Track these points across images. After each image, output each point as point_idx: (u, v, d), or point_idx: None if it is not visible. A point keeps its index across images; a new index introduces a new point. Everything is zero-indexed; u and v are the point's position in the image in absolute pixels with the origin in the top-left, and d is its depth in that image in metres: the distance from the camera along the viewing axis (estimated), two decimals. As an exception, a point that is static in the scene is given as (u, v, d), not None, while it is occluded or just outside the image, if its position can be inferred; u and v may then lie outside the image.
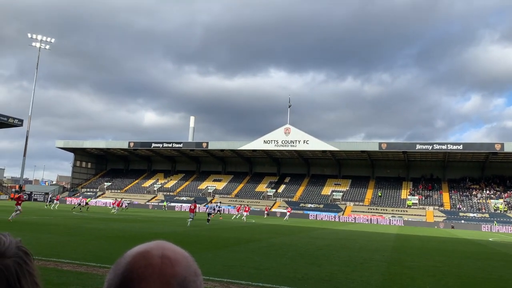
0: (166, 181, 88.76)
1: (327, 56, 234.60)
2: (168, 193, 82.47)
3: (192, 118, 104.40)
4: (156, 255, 0.85)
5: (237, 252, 14.34)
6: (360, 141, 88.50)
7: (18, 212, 23.89)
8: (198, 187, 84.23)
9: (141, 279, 0.80)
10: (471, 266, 13.98)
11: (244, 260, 12.18)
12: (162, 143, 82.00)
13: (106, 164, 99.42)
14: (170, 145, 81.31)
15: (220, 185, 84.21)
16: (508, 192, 68.48)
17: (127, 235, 18.77)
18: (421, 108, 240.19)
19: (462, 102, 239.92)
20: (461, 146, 64.86)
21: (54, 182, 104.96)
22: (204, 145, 79.14)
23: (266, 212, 50.10)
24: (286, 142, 73.42)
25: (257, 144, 75.57)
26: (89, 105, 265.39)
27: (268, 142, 74.52)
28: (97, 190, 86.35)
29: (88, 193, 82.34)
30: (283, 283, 8.81)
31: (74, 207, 46.09)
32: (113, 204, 46.03)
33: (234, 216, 46.04)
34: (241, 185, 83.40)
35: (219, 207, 51.50)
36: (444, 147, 65.36)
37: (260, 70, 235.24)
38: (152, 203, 70.63)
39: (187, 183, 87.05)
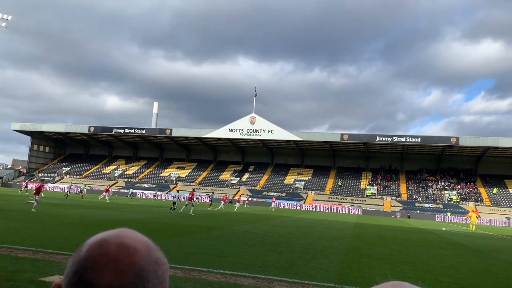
0: (127, 167, 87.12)
1: (296, 46, 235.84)
2: (129, 180, 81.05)
3: (155, 104, 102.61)
4: (113, 243, 0.81)
5: (200, 239, 14.35)
6: (323, 131, 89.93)
7: (34, 203, 22.41)
8: (161, 174, 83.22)
9: (96, 268, 0.77)
10: (425, 254, 14.62)
11: (206, 248, 12.21)
12: (124, 128, 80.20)
13: (65, 149, 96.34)
14: (132, 131, 79.71)
15: (184, 173, 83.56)
16: (461, 184, 71.73)
17: (87, 221, 18.36)
18: (384, 101, 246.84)
19: (424, 96, 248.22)
20: (419, 139, 67.19)
21: (9, 166, 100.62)
22: (168, 132, 78.09)
23: (223, 202, 49.60)
24: (251, 131, 73.59)
25: (222, 132, 75.35)
26: (50, 87, 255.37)
27: (233, 130, 74.45)
28: (55, 175, 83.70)
29: (46, 178, 79.60)
30: (244, 270, 8.91)
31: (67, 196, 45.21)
32: (105, 191, 45.17)
33: (220, 206, 45.54)
34: (205, 173, 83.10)
35: (211, 196, 51.50)
36: (403, 139, 67.51)
37: (228, 58, 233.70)
38: (112, 190, 69.07)
39: (149, 170, 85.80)
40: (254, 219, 28.94)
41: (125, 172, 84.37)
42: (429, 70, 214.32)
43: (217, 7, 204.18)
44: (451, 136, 66.45)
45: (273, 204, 58.68)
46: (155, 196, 63.41)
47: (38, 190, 23.45)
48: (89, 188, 67.96)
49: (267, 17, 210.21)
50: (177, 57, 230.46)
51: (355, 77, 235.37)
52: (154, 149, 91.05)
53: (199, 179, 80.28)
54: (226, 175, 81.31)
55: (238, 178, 79.07)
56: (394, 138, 68.11)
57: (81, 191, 51.38)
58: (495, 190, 68.23)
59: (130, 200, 50.18)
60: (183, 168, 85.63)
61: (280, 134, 72.85)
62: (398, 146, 71.18)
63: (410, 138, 67.48)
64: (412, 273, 10.37)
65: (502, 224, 57.12)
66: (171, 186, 76.55)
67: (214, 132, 76.13)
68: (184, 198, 38.03)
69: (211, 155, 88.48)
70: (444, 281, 9.57)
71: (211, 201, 52.00)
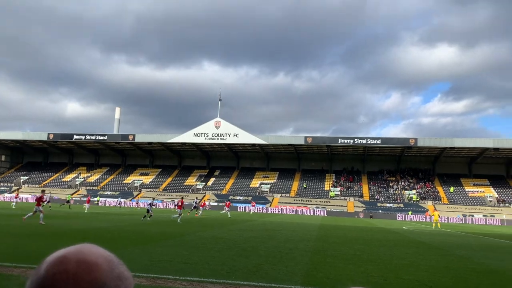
0: (89, 175, 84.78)
1: (261, 51, 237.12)
2: (91, 188, 78.89)
3: (117, 110, 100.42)
4: (73, 260, 0.77)
5: (165, 246, 14.17)
6: (287, 135, 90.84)
7: (39, 213, 21.73)
8: (124, 181, 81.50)
9: (55, 286, 0.74)
10: (387, 253, 15.05)
11: (172, 255, 12.07)
12: (84, 135, 78.03)
13: (22, 157, 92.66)
14: (94, 137, 77.67)
15: (148, 179, 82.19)
16: (420, 183, 74.26)
17: (47, 232, 17.72)
18: (346, 104, 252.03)
19: (384, 99, 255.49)
20: (380, 140, 69.11)
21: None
22: (131, 137, 76.61)
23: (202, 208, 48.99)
24: (216, 135, 73.39)
25: (187, 137, 74.73)
26: (6, 93, 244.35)
27: (198, 135, 74.00)
28: (13, 184, 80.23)
29: (2, 188, 76.30)
30: (211, 276, 8.89)
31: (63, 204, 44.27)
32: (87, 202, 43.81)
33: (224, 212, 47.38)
34: (170, 179, 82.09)
35: (195, 202, 50.12)
36: (364, 141, 69.22)
37: (193, 63, 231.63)
38: (74, 198, 66.96)
39: (111, 177, 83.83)
40: (221, 224, 28.84)
41: (87, 180, 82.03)
42: (389, 74, 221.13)
43: (180, 12, 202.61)
44: (409, 138, 68.75)
45: (252, 208, 58.94)
46: (119, 204, 61.94)
47: (39, 201, 22.67)
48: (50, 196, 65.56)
49: (231, 22, 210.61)
50: (140, 61, 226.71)
51: (318, 81, 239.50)
52: (117, 156, 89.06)
53: (163, 185, 79.13)
54: (191, 180, 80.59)
55: (203, 183, 78.54)
56: (355, 140, 69.72)
57: (68, 201, 49.96)
58: (452, 189, 71.06)
59: (95, 208, 48.79)
60: (147, 174, 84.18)
61: (245, 137, 73.02)
62: (359, 148, 72.90)
63: (371, 140, 69.30)
64: (375, 272, 10.66)
65: (459, 221, 59.56)
66: (135, 193, 75.07)
67: (178, 137, 75.36)
68: (146, 205, 37.01)
69: (176, 161, 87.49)
70: (406, 279, 9.89)
71: (196, 207, 50.48)
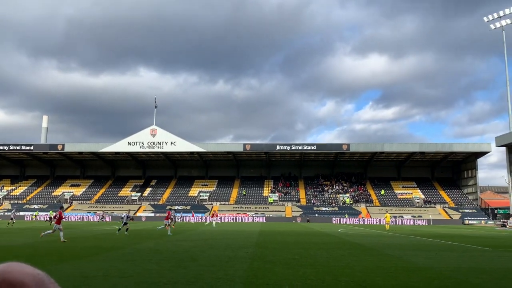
0: (13, 187, 79.16)
1: (200, 58, 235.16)
2: (16, 201, 73.67)
3: (44, 118, 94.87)
4: None
5: (99, 261, 13.50)
6: (226, 142, 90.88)
7: (59, 230, 21.09)
8: (53, 194, 77.02)
9: None
10: (324, 256, 15.44)
11: (106, 269, 11.52)
12: (8, 145, 72.86)
13: None
14: (19, 147, 72.70)
15: (79, 191, 78.30)
16: (354, 187, 77.40)
17: (-37, 252, 16.22)
18: (284, 111, 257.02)
19: (319, 107, 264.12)
20: (315, 146, 71.24)
21: None
22: (60, 147, 72.64)
23: (214, 218, 46.01)
24: (152, 143, 71.66)
25: (121, 146, 72.24)
26: None
27: (133, 143, 71.82)
28: None
29: None
30: (149, 289, 8.59)
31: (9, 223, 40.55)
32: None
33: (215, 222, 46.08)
34: (103, 190, 78.79)
35: (173, 215, 45.78)
36: (300, 147, 71.01)
37: (129, 69, 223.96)
38: (-4, 214, 62.07)
39: (39, 189, 78.88)
40: (156, 235, 28.09)
41: (11, 193, 76.44)
42: (324, 83, 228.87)
43: (115, 16, 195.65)
44: (342, 143, 71.55)
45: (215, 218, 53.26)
46: (50, 219, 55.92)
47: (60, 219, 21.73)
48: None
49: (168, 28, 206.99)
50: (72, 67, 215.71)
51: (257, 89, 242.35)
52: (44, 167, 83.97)
53: (96, 197, 75.73)
54: (126, 191, 77.87)
55: (139, 194, 76.21)
56: (292, 146, 71.32)
57: (11, 218, 42.95)
58: (382, 192, 74.80)
59: (24, 223, 45.48)
60: (77, 185, 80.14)
61: (183, 146, 72.00)
62: (296, 154, 74.63)
63: (307, 146, 71.26)
64: (314, 275, 10.88)
65: (390, 222, 62.67)
66: (65, 206, 71.12)
67: (111, 146, 72.62)
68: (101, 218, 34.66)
69: (109, 171, 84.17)
70: (342, 280, 10.19)
71: (172, 219, 46.58)
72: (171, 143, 71.60)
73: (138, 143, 71.69)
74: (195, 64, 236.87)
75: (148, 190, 78.00)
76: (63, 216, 23.08)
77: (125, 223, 27.96)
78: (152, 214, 66.30)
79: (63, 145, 72.93)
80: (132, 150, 72.60)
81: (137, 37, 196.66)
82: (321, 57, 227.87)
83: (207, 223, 51.49)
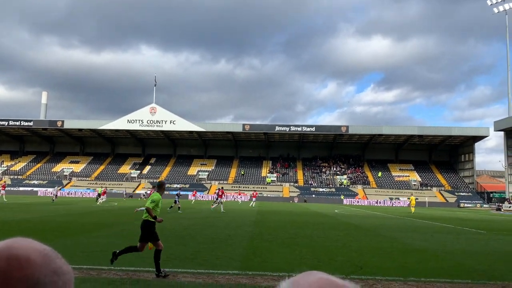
0: (13, 163, 79.38)
1: (202, 37, 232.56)
2: (16, 177, 74.01)
3: (44, 94, 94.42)
4: (2, 256, 0.70)
5: (99, 237, 13.68)
6: (225, 122, 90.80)
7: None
8: (52, 170, 77.30)
9: None
10: (320, 236, 15.65)
11: (106, 245, 11.69)
12: (7, 120, 72.79)
13: None
14: (18, 122, 72.65)
15: (78, 167, 78.56)
16: (351, 169, 77.75)
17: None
18: (285, 92, 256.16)
19: (321, 88, 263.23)
20: (314, 128, 71.26)
21: None
22: (59, 123, 72.60)
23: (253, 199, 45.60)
24: (151, 122, 71.60)
25: (120, 123, 72.19)
26: None
27: (132, 121, 71.75)
28: None
29: None
30: (147, 265, 8.73)
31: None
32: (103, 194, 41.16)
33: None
34: (102, 167, 79.07)
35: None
36: (299, 129, 71.02)
37: (130, 47, 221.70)
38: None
39: (38, 165, 79.13)
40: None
41: (11, 169, 76.70)
42: (326, 64, 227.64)
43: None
44: (341, 125, 71.57)
45: (253, 199, 47.72)
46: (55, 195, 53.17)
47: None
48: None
49: (171, 6, 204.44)
50: (74, 44, 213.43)
51: (259, 69, 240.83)
52: (44, 143, 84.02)
53: (95, 174, 76.06)
54: (125, 169, 78.17)
55: (138, 171, 76.53)
56: (291, 127, 71.31)
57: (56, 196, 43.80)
58: (380, 174, 75.18)
59: (22, 199, 45.77)
60: (77, 162, 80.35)
61: (183, 125, 71.93)
62: (295, 135, 74.68)
63: (306, 128, 71.25)
64: (310, 255, 11.06)
65: (387, 204, 63.28)
66: (65, 182, 71.49)
67: (111, 123, 72.55)
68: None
69: (109, 148, 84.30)
70: (338, 260, 10.36)
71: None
72: (170, 122, 71.50)
73: (137, 121, 71.59)
74: (197, 42, 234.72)
75: (148, 168, 78.28)
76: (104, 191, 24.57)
77: (176, 201, 29.17)
78: (150, 192, 66.66)
79: (63, 121, 72.80)
80: (132, 128, 72.54)
81: (139, 14, 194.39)
82: (324, 38, 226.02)
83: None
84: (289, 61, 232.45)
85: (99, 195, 44.60)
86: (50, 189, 62.30)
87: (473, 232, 19.66)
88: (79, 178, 73.73)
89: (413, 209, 40.15)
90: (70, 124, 73.20)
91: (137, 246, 8.23)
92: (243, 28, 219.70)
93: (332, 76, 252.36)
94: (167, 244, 12.23)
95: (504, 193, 65.92)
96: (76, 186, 69.83)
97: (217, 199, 32.41)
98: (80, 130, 74.93)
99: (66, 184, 69.69)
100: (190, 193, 64.65)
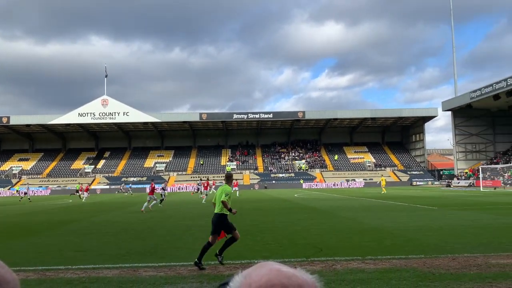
0: (-45, 164, 74.79)
1: (154, 25, 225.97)
2: (-41, 178, 69.82)
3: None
4: None
5: (54, 236, 13.19)
6: (182, 111, 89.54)
7: (154, 201, 23.33)
8: (0, 169, 73.47)
9: None
10: (282, 221, 15.87)
11: (61, 244, 11.29)
12: None
13: None
14: (-42, 121, 68.32)
15: (28, 165, 75.14)
16: (309, 153, 79.13)
17: None
18: (242, 80, 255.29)
19: (277, 75, 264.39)
20: (271, 115, 71.71)
21: None
22: (5, 120, 68.93)
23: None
24: (104, 114, 69.37)
25: (71, 117, 69.51)
26: None
27: (84, 115, 69.25)
28: None
29: None
30: (106, 262, 8.53)
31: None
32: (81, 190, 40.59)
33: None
34: (54, 163, 76.06)
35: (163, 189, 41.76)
36: (257, 116, 71.26)
37: (79, 37, 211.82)
38: None
39: (-16, 164, 74.95)
40: (113, 207, 27.68)
41: (-48, 170, 72.23)
42: (281, 51, 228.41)
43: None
44: (298, 111, 72.46)
45: (235, 188, 47.87)
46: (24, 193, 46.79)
47: (153, 190, 23.64)
48: None
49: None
50: (16, 35, 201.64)
51: (214, 57, 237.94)
52: (-11, 141, 79.56)
53: (47, 170, 73.07)
54: (79, 164, 75.60)
55: (92, 166, 74.25)
56: (249, 115, 71.41)
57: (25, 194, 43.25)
58: (336, 157, 77.04)
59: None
60: (26, 159, 76.80)
61: (137, 116, 70.24)
62: (253, 122, 74.89)
63: (263, 115, 71.59)
64: (272, 240, 11.20)
65: (344, 186, 65.04)
66: (14, 181, 68.24)
67: (61, 117, 69.71)
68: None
69: (60, 143, 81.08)
70: (300, 243, 10.56)
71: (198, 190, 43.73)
72: (123, 114, 69.62)
73: (89, 114, 69.19)
74: (149, 31, 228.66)
75: (102, 162, 76.09)
76: (155, 188, 25.01)
77: (162, 195, 28.59)
78: (107, 187, 65.03)
79: (8, 117, 69.14)
80: (83, 121, 70.06)
81: (86, 2, 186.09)
82: (278, 25, 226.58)
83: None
84: (245, 48, 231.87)
85: (77, 191, 45.41)
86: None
87: (425, 208, 20.60)
88: (30, 176, 70.58)
89: (384, 190, 41.45)
90: (17, 120, 69.67)
91: (209, 241, 8.24)
92: (196, 15, 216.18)
93: (288, 63, 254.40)
94: (125, 238, 11.98)
95: (453, 170, 69.46)
96: (28, 184, 66.85)
97: (199, 190, 33.35)
98: (28, 126, 71.47)
99: (16, 183, 66.55)
100: (128, 186, 63.22)
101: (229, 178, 8.70)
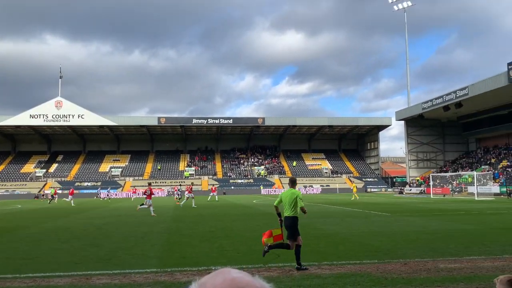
0: None
1: (114, 26, 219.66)
2: None
3: None
4: None
5: (0, 243, 12.53)
6: (140, 115, 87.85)
7: (149, 206, 22.87)
8: None
9: None
10: (240, 227, 15.87)
11: (9, 252, 10.76)
12: None
13: None
14: None
15: (-27, 168, 71.06)
16: (268, 159, 79.71)
17: None
18: (203, 85, 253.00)
19: (238, 81, 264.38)
20: (231, 120, 71.76)
21: None
22: None
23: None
24: (57, 116, 66.87)
25: (22, 119, 66.54)
26: None
27: (36, 116, 66.46)
28: None
29: None
30: (58, 270, 8.22)
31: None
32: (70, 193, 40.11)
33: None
34: (2, 167, 72.45)
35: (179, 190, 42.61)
36: (217, 121, 71.06)
37: (33, 36, 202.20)
38: None
39: None
40: (65, 213, 26.67)
41: None
42: (243, 57, 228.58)
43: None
44: (258, 117, 72.94)
45: (213, 194, 47.12)
46: (52, 196, 46.46)
47: (150, 194, 23.30)
48: None
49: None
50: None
51: (175, 61, 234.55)
52: None
53: (-6, 174, 69.36)
54: (29, 167, 72.33)
55: (44, 170, 71.25)
56: (209, 120, 71.09)
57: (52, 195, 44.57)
58: (294, 163, 78.05)
59: None
60: (-28, 162, 72.60)
61: (92, 119, 68.18)
62: (213, 127, 74.59)
63: (223, 120, 71.50)
64: (229, 246, 11.17)
65: (301, 192, 65.72)
66: (-43, 185, 64.29)
67: (11, 119, 66.54)
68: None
69: (9, 146, 77.27)
70: (257, 249, 10.59)
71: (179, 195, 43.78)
72: (78, 116, 67.38)
73: (41, 116, 66.43)
74: (109, 32, 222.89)
75: (54, 166, 73.19)
76: (153, 192, 24.76)
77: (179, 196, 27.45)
78: (60, 191, 62.50)
79: (-49, 118, 65.21)
80: (35, 123, 67.19)
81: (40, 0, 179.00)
82: (240, 31, 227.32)
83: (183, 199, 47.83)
84: (207, 53, 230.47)
85: (52, 196, 44.94)
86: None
87: (379, 214, 21.25)
88: (-25, 180, 66.76)
89: (356, 195, 42.70)
90: (-39, 120, 65.83)
91: (289, 244, 8.57)
92: (157, 17, 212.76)
93: (249, 69, 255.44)
94: (79, 246, 11.57)
95: (405, 177, 72.08)
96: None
97: (179, 194, 33.17)
98: (-27, 126, 67.70)
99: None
100: (104, 191, 61.75)
101: (293, 182, 9.22)
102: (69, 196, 40.19)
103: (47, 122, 67.03)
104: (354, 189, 44.11)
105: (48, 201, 44.45)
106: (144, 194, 24.57)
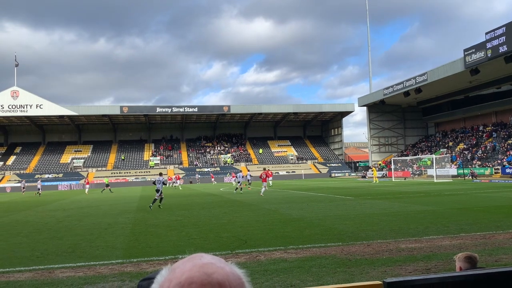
0: None
1: (78, 14, 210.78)
2: None
3: None
4: None
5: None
6: (102, 104, 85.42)
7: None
8: None
9: None
10: (207, 215, 15.85)
11: (-36, 248, 10.30)
12: None
13: None
14: None
15: None
16: (234, 147, 79.66)
17: None
18: (170, 73, 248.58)
19: (206, 69, 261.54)
20: (196, 109, 71.01)
21: None
22: None
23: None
24: (14, 106, 64.10)
25: (-26, 109, 63.31)
26: None
27: (-10, 107, 63.44)
28: None
29: None
30: (18, 265, 7.96)
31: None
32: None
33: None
34: (-45, 160, 68.86)
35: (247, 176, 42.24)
36: (181, 109, 70.14)
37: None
38: None
39: None
40: (24, 206, 25.79)
41: None
42: (211, 45, 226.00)
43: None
44: (223, 105, 72.50)
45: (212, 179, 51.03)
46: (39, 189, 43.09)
47: (266, 177, 24.39)
48: None
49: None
50: None
51: (142, 49, 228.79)
52: None
53: None
54: (-15, 160, 69.15)
55: (1, 162, 68.37)
56: (173, 108, 70.04)
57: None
58: (260, 150, 78.41)
59: None
60: None
61: (51, 109, 65.74)
62: (177, 116, 73.61)
63: (188, 108, 70.63)
64: (196, 234, 11.16)
65: (268, 178, 66.29)
66: None
67: (-37, 110, 63.19)
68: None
69: (-38, 138, 73.54)
70: (224, 236, 10.64)
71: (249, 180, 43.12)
72: (37, 106, 64.80)
73: (-4, 107, 63.45)
74: (72, 19, 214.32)
75: (12, 158, 70.34)
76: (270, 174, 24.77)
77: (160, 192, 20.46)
78: (19, 184, 60.19)
79: None
80: (-11, 114, 64.15)
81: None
82: (208, 19, 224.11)
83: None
84: (174, 41, 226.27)
85: (39, 189, 41.77)
86: None
87: (343, 198, 21.75)
88: None
89: (377, 180, 44.09)
90: None
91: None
92: (124, 5, 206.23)
93: (217, 57, 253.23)
94: (40, 239, 11.23)
95: (368, 162, 73.93)
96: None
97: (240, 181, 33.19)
98: None
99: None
100: (61, 183, 60.12)
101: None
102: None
103: (2, 112, 64.12)
104: (375, 173, 45.74)
105: (101, 191, 43.72)
106: (260, 178, 26.75)
